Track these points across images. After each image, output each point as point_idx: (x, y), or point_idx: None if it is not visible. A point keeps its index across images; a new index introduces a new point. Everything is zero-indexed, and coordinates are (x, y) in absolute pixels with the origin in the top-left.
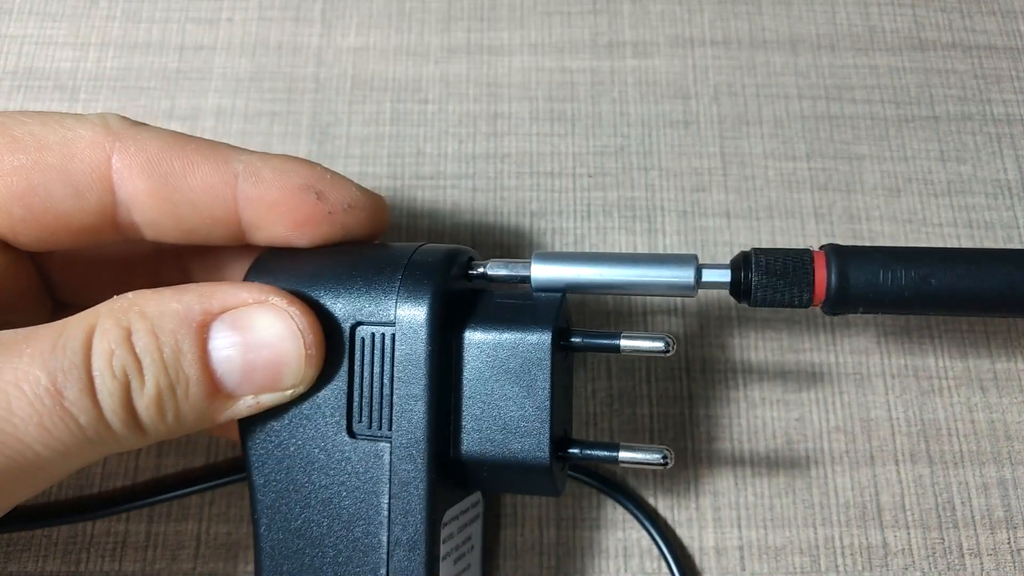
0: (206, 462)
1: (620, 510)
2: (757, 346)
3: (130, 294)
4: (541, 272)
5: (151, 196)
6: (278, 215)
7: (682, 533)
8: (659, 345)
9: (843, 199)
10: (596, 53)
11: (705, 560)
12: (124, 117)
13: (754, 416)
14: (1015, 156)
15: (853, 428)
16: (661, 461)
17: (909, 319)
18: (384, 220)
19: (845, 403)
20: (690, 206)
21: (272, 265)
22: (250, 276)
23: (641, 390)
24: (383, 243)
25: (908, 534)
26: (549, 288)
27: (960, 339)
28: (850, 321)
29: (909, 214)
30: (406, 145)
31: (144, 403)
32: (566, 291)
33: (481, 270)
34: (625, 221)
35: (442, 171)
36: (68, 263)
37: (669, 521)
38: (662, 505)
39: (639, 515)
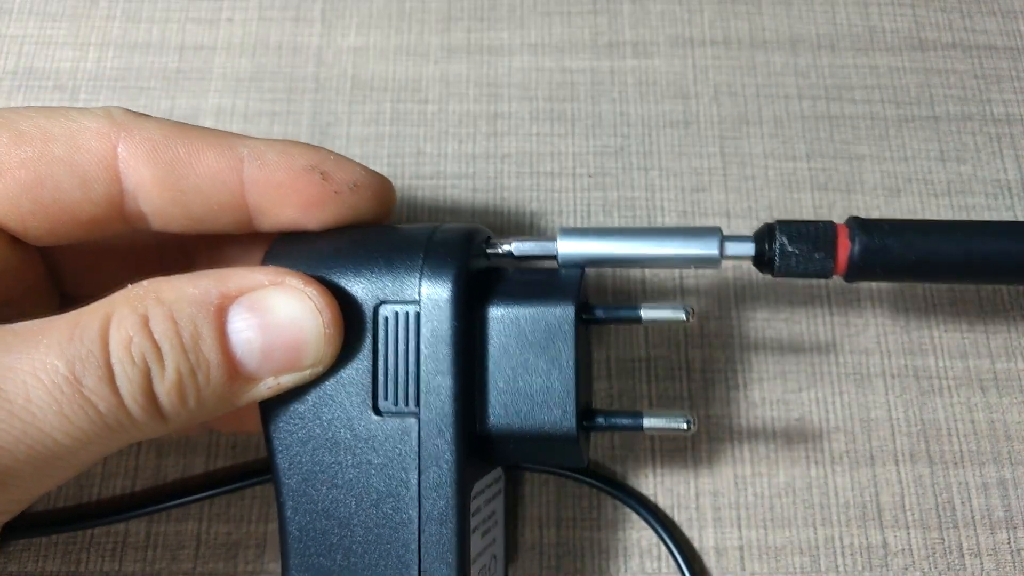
0: (206, 462)
1: (620, 510)
2: (757, 346)
3: (145, 282)
4: (567, 248)
5: (157, 184)
6: (285, 197)
7: (682, 533)
8: (680, 315)
9: (843, 199)
10: (596, 53)
11: (705, 560)
12: (127, 109)
13: (754, 416)
14: (1015, 156)
15: (853, 428)
16: (685, 427)
17: (909, 319)
18: (391, 201)
19: (845, 403)
20: (690, 206)
21: (288, 250)
22: (267, 262)
23: (641, 390)
24: (396, 225)
25: (908, 534)
26: (575, 263)
27: (960, 339)
28: (850, 321)
29: (909, 214)
30: (406, 145)
31: (165, 389)
32: (590, 266)
33: (507, 248)
34: (625, 221)
35: (442, 171)
36: (75, 256)
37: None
38: (662, 505)
39: (644, 514)
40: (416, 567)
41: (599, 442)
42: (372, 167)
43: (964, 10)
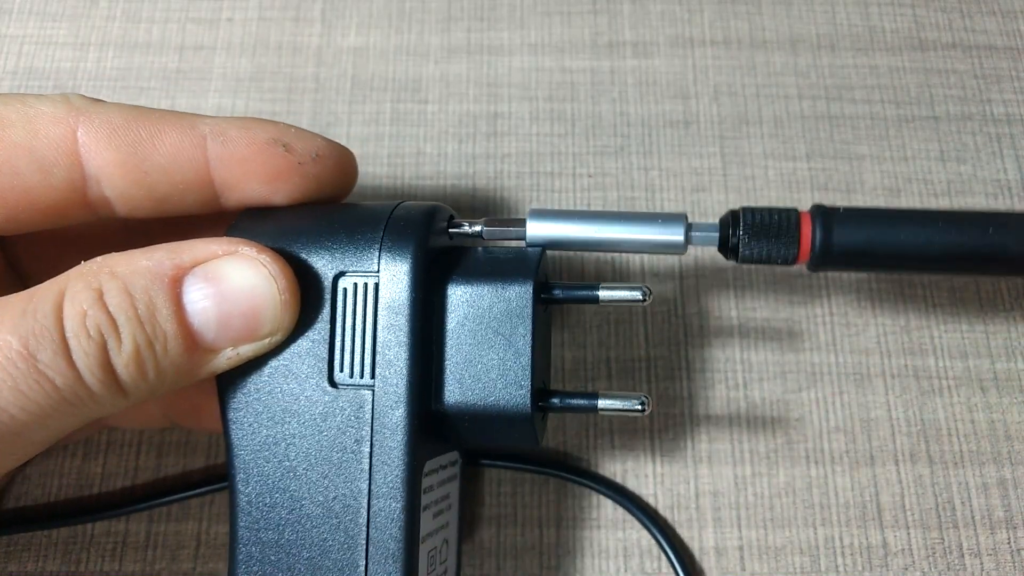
0: (206, 461)
1: (620, 510)
2: (757, 346)
3: (99, 258)
4: (536, 229)
5: (120, 166)
6: (250, 171)
7: (682, 533)
8: (636, 295)
9: (843, 199)
10: (596, 53)
11: (705, 560)
12: (85, 96)
13: (754, 416)
14: (1015, 156)
15: (853, 428)
16: (639, 408)
17: (909, 319)
18: (354, 172)
19: (845, 403)
20: (690, 206)
21: (251, 225)
22: (229, 235)
23: (641, 390)
24: (360, 203)
25: (908, 534)
26: (543, 244)
27: (960, 339)
28: (850, 321)
29: None
30: (406, 145)
31: (123, 361)
32: (558, 248)
33: (477, 228)
34: None
35: (442, 171)
36: (37, 247)
37: (669, 521)
38: (662, 505)
39: (640, 515)
40: (364, 541)
41: (599, 442)
42: (372, 167)
43: (964, 10)
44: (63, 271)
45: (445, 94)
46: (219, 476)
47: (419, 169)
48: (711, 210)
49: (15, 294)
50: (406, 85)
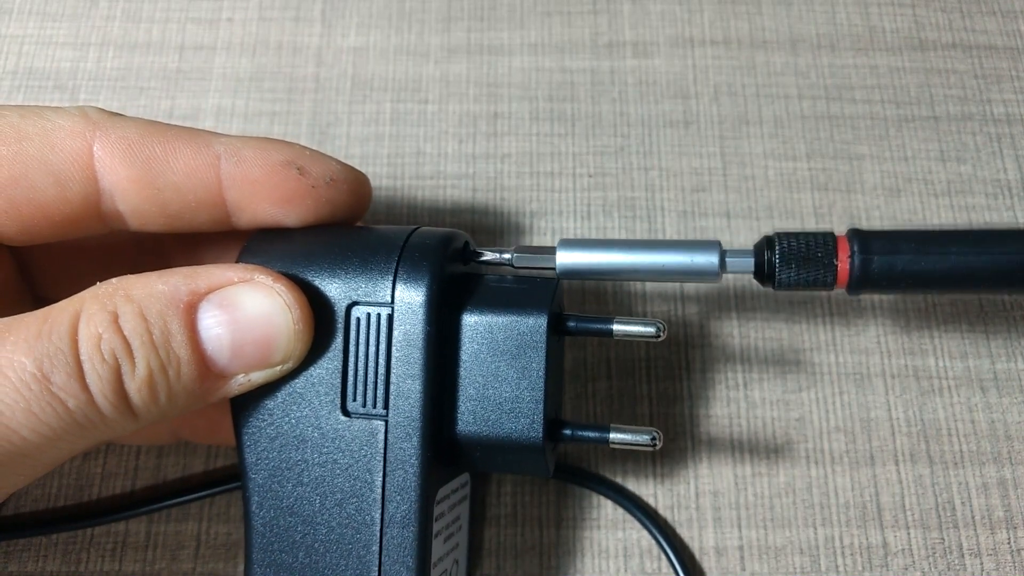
0: (206, 462)
1: (620, 510)
2: (757, 346)
3: (114, 280)
4: (566, 259)
5: (135, 183)
6: (262, 192)
7: (682, 533)
8: (651, 330)
9: (843, 199)
10: (596, 53)
11: (705, 560)
12: (102, 109)
13: (754, 416)
14: (1015, 156)
15: (853, 428)
16: (650, 443)
17: (910, 319)
18: (367, 196)
19: (845, 403)
20: (690, 206)
21: (264, 247)
22: (242, 259)
23: (641, 390)
24: (373, 226)
25: (908, 534)
26: (573, 275)
27: (960, 339)
28: (850, 321)
29: (909, 214)
30: (406, 145)
31: (136, 386)
32: (589, 278)
33: (507, 256)
34: (625, 221)
35: (442, 171)
36: (49, 257)
37: (669, 521)
38: (662, 505)
39: (640, 515)
40: (376, 569)
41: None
42: (372, 167)
43: (964, 10)
44: (75, 281)
45: (445, 94)
46: (219, 479)
47: (419, 169)
48: (711, 210)
49: (30, 314)
50: (406, 85)
